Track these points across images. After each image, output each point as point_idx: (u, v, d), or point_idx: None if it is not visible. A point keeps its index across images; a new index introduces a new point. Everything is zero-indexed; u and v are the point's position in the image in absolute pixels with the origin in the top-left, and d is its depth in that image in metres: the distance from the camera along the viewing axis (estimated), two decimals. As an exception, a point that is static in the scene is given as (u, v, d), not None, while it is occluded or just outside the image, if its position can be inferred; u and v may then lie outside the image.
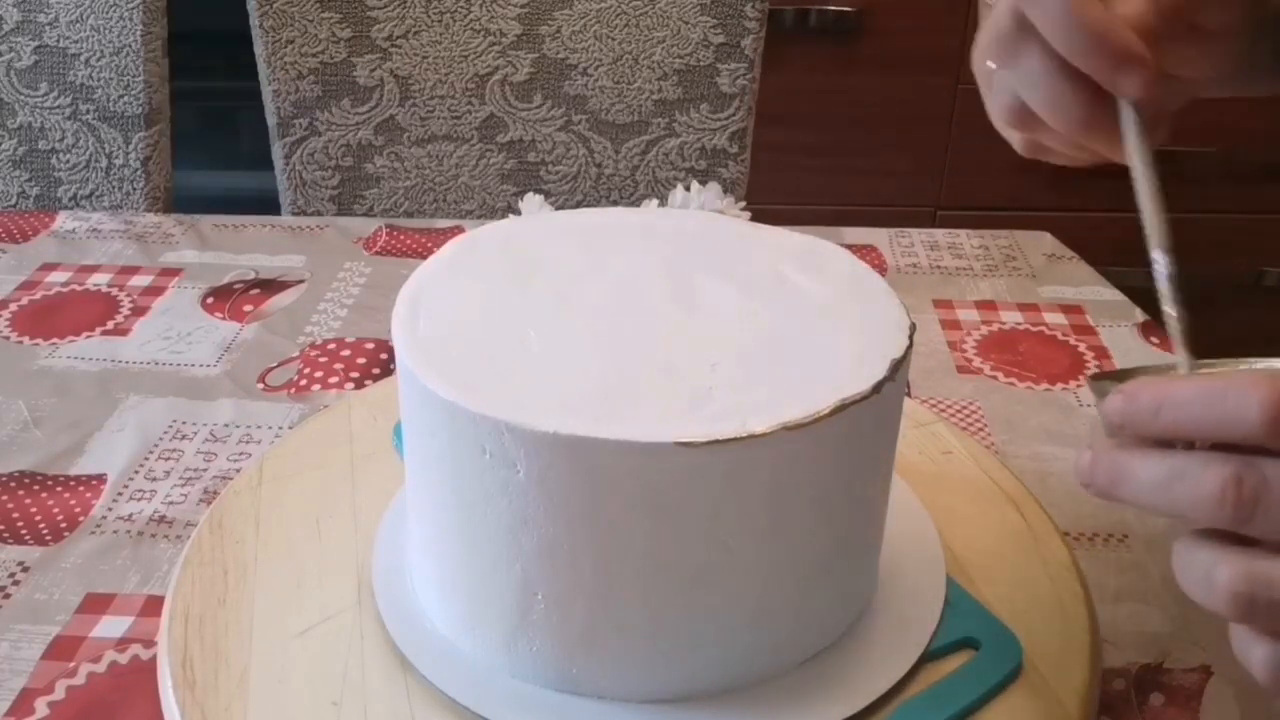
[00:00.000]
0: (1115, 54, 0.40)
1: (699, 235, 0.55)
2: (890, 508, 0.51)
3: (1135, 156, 0.42)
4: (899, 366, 0.45)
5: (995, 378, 0.74)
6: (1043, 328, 0.81)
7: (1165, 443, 0.36)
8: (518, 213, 0.77)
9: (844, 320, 0.48)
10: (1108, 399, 0.37)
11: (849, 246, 0.56)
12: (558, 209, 0.72)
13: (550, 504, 0.42)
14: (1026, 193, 1.70)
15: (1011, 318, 0.82)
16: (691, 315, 0.48)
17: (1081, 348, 0.78)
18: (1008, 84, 0.44)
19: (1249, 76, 0.48)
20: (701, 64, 1.10)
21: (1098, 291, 0.86)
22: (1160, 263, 0.40)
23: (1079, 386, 0.73)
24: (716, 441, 0.40)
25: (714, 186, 0.78)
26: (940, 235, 0.94)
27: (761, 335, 0.47)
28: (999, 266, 0.89)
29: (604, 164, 1.14)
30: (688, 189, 0.78)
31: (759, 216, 0.66)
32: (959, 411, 0.71)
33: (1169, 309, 0.40)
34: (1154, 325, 0.81)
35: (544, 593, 0.44)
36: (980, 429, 0.69)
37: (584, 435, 0.40)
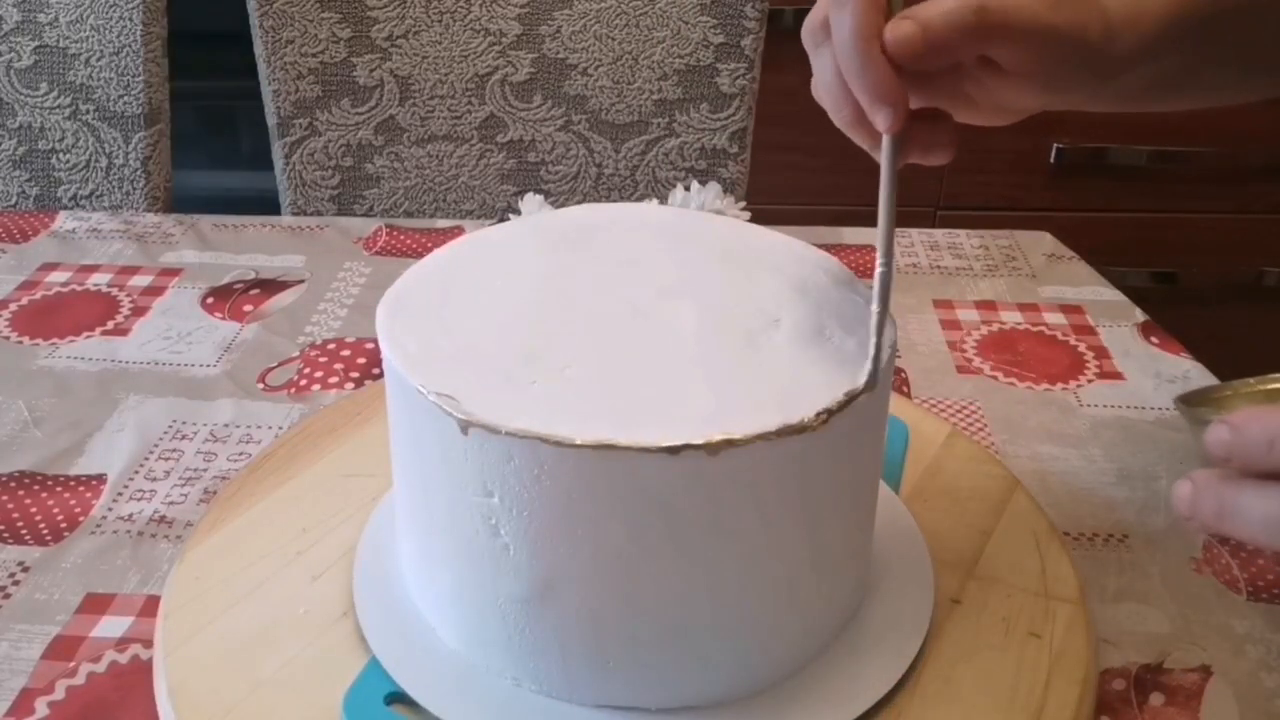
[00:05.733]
0: (871, 91, 0.46)
1: (691, 237, 0.55)
2: (880, 510, 0.51)
3: (883, 176, 0.47)
4: (880, 373, 0.45)
5: (995, 378, 0.74)
6: (1043, 328, 0.80)
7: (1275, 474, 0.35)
8: (518, 212, 0.77)
9: (830, 325, 0.48)
10: (1211, 430, 0.36)
11: (849, 246, 0.56)
12: (557, 209, 0.72)
13: (538, 510, 0.42)
14: (1026, 193, 1.70)
15: (1011, 318, 0.82)
16: (678, 319, 0.47)
17: (1081, 348, 0.78)
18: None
19: (1152, 94, 0.52)
20: (701, 64, 1.10)
21: (1098, 291, 0.86)
22: (880, 267, 0.46)
23: (1079, 386, 0.73)
24: (691, 445, 0.40)
25: (714, 186, 0.78)
26: (940, 235, 0.94)
27: (749, 340, 0.46)
28: (999, 266, 0.89)
29: (604, 164, 1.14)
30: (688, 189, 0.78)
31: (759, 216, 0.66)
32: (959, 411, 0.71)
33: (876, 305, 0.45)
34: (1154, 325, 0.81)
35: (538, 600, 0.44)
36: (980, 429, 0.69)
37: (566, 440, 0.40)
